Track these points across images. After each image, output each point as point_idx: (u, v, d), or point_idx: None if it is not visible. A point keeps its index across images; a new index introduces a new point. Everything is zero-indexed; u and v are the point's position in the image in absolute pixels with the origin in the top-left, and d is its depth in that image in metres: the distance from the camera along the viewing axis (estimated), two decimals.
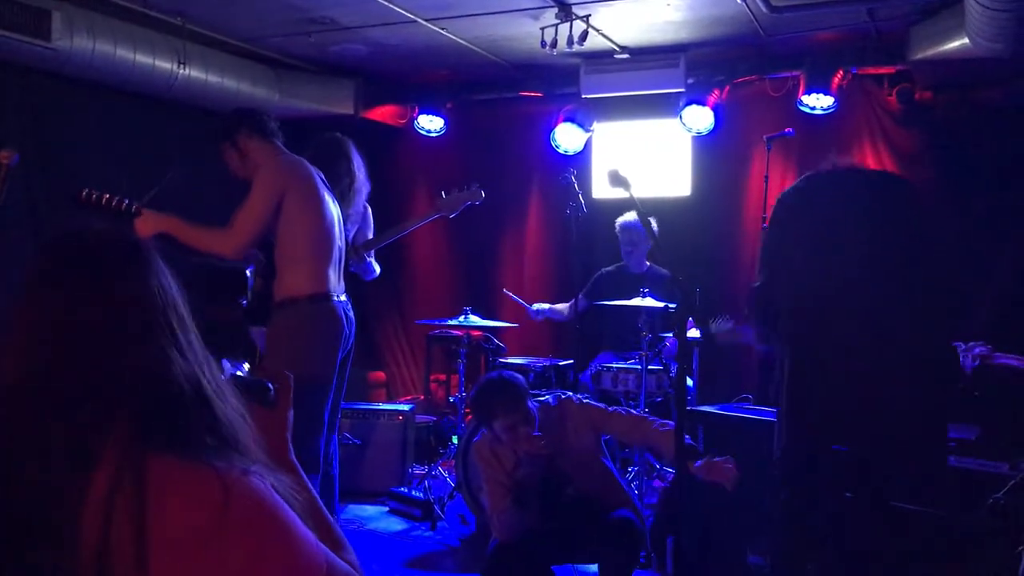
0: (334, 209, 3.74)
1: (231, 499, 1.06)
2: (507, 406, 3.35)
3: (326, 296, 3.59)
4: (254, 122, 3.66)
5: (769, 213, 5.01)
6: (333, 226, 3.69)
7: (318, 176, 3.69)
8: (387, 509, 5.26)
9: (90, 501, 1.02)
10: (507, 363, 5.63)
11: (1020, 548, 2.75)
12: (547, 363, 5.60)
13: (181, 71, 5.50)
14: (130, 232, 1.24)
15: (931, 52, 4.98)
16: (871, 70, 5.79)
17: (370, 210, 4.61)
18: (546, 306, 5.85)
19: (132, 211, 3.56)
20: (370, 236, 4.59)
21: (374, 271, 4.58)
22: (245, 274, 3.90)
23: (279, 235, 3.54)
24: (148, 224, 3.52)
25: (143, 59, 5.30)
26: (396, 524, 5.03)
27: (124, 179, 4.39)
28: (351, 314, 3.73)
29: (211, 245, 3.51)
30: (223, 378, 1.22)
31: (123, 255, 1.18)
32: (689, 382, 5.35)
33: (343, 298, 3.71)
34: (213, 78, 5.77)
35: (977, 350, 4.62)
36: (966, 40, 4.55)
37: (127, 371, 1.10)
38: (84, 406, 1.07)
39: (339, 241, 3.75)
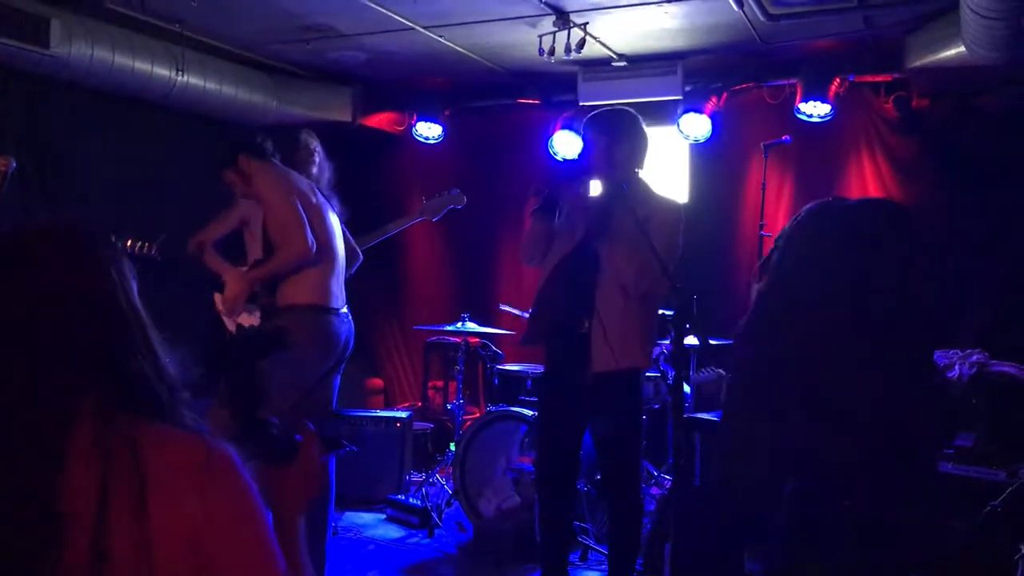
0: (334, 219, 3.76)
1: (212, 450, 1.16)
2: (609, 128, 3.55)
3: (327, 308, 3.61)
4: (252, 146, 3.72)
5: (767, 221, 5.01)
6: (334, 236, 3.71)
7: (316, 188, 3.72)
8: (384, 516, 5.25)
9: (75, 462, 1.09)
10: (505, 370, 5.64)
11: (1017, 556, 2.76)
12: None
13: (179, 78, 5.51)
14: (87, 223, 1.28)
15: (927, 60, 5.00)
16: (868, 78, 5.81)
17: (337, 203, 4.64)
18: None
19: (152, 254, 3.69)
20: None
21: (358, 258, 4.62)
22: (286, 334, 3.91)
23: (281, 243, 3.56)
24: (239, 286, 3.67)
25: (141, 66, 5.31)
26: (393, 531, 5.02)
27: (162, 232, 4.49)
28: (351, 325, 3.76)
29: (292, 258, 3.54)
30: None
31: (82, 245, 1.24)
32: (687, 389, 5.35)
33: (344, 310, 3.73)
34: (211, 85, 5.77)
35: (974, 358, 4.63)
36: (962, 48, 4.57)
37: (95, 351, 1.18)
38: (56, 381, 1.14)
39: (340, 252, 3.76)
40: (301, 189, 3.65)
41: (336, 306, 3.67)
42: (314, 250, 3.54)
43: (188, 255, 4.15)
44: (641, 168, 3.67)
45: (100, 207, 5.49)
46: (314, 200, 3.68)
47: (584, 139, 3.64)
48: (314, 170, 4.33)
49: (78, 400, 1.14)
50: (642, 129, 3.66)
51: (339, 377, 3.85)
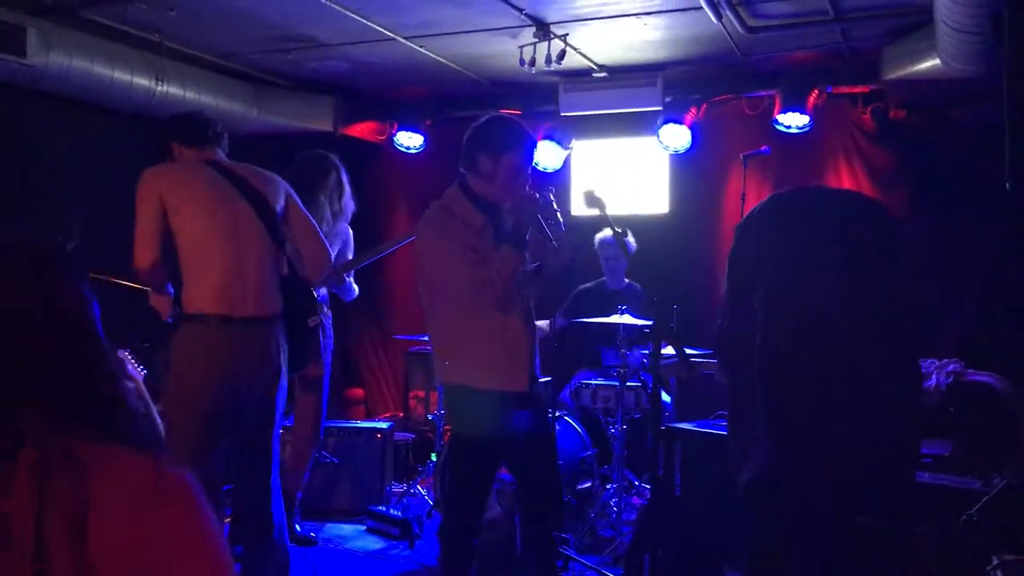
0: (249, 215, 3.45)
1: (162, 474, 1.13)
2: (520, 143, 3.29)
3: (214, 317, 3.29)
4: (183, 134, 3.48)
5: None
6: (230, 236, 3.39)
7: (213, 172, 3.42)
8: (365, 528, 5.23)
9: (17, 485, 1.06)
10: None
11: (990, 567, 2.78)
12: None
13: (159, 87, 5.49)
14: (48, 239, 1.28)
15: (903, 72, 5.06)
16: (845, 89, 5.87)
17: (351, 232, 4.61)
18: None
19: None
20: (349, 255, 4.59)
21: (353, 292, 4.57)
22: (313, 293, 3.74)
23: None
24: (153, 297, 3.40)
25: (121, 76, 5.29)
26: (374, 543, 5.00)
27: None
28: (267, 335, 3.39)
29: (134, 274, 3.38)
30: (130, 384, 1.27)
31: (36, 260, 1.23)
32: (667, 398, 5.37)
33: (239, 317, 3.32)
34: (191, 94, 5.76)
35: (950, 367, 4.67)
36: (937, 61, 4.63)
37: (42, 366, 1.16)
38: (4, 398, 1.13)
39: (234, 250, 3.36)
40: (175, 189, 3.32)
41: (233, 314, 3.27)
42: (146, 267, 3.26)
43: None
44: None
45: (79, 218, 5.45)
46: (187, 197, 3.33)
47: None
48: (345, 203, 4.25)
49: (25, 418, 1.11)
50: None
51: (278, 400, 3.45)
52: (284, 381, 3.47)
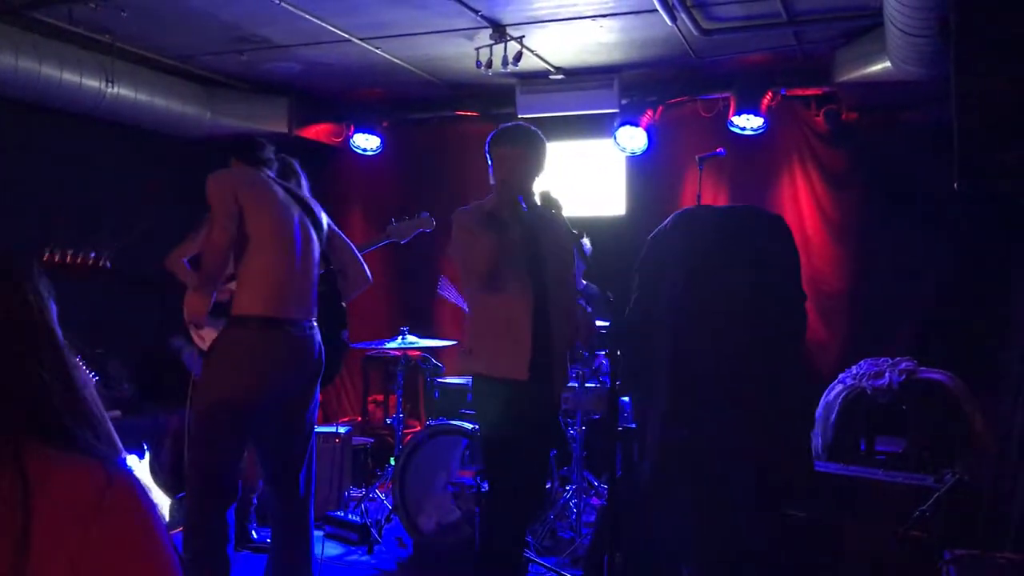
0: (305, 229, 3.61)
1: (111, 483, 1.11)
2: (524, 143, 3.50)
3: (266, 319, 3.39)
4: (243, 150, 3.59)
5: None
6: (288, 239, 3.53)
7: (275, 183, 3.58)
8: (323, 533, 5.17)
9: None
10: (445, 383, 5.61)
11: (941, 562, 2.82)
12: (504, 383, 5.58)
13: (109, 89, 5.40)
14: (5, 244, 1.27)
15: (855, 75, 5.13)
16: (799, 92, 5.94)
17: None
18: None
19: (103, 265, 3.42)
20: None
21: None
22: (344, 307, 3.92)
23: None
24: (191, 298, 3.38)
25: (70, 77, 5.19)
26: (332, 548, 4.95)
27: (102, 223, 4.26)
28: (310, 343, 3.54)
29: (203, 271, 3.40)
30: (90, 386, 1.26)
31: None
32: (625, 399, 5.38)
33: (303, 322, 3.52)
34: (142, 96, 5.67)
35: (903, 365, 4.75)
36: (888, 64, 4.70)
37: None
38: None
39: (296, 256, 3.54)
40: (245, 186, 3.43)
41: (288, 317, 3.42)
42: (227, 241, 3.31)
43: (160, 270, 3.94)
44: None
45: (29, 219, 5.36)
46: (263, 195, 3.46)
47: (509, 154, 3.54)
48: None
49: None
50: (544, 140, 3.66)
51: (313, 407, 3.63)
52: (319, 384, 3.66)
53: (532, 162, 3.56)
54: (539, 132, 3.63)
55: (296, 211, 3.57)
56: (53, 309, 1.24)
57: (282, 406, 3.51)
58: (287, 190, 3.61)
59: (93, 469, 1.12)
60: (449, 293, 5.82)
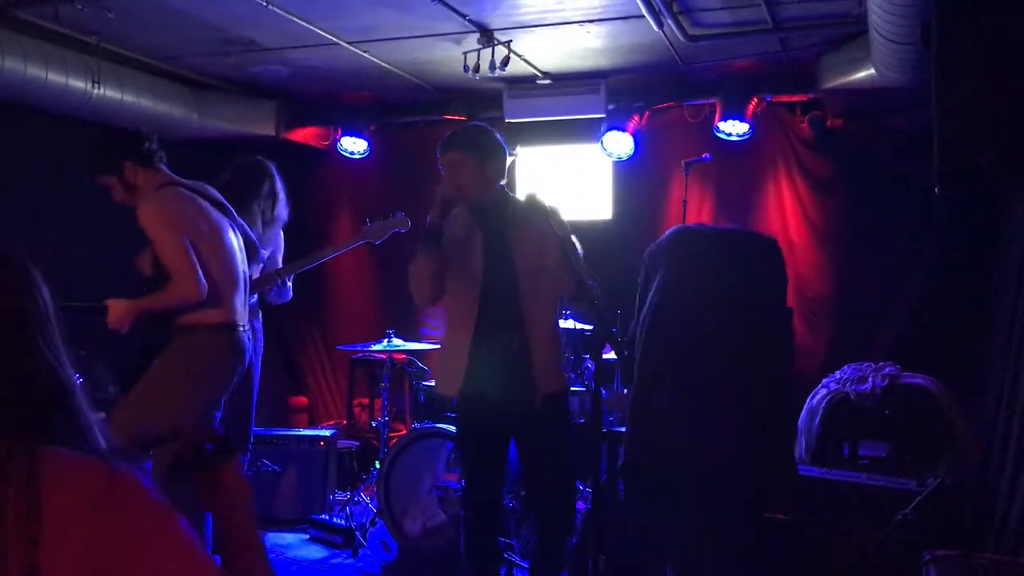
0: (234, 237, 3.67)
1: (116, 478, 1.13)
2: (467, 144, 3.38)
3: (232, 326, 3.58)
4: (138, 153, 3.50)
5: None
6: (235, 253, 3.64)
7: (212, 203, 3.61)
8: (307, 537, 5.17)
9: None
10: (431, 387, 5.60)
11: (923, 562, 2.84)
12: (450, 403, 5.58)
13: (96, 90, 5.38)
14: (6, 246, 1.27)
15: (840, 81, 5.17)
16: (784, 98, 5.97)
17: (282, 235, 4.59)
18: None
19: (101, 307, 3.46)
20: (279, 260, 4.56)
21: (288, 294, 4.54)
22: None
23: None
24: (121, 314, 3.44)
25: (55, 78, 5.16)
26: (317, 552, 4.94)
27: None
28: (251, 342, 3.77)
29: (178, 300, 3.42)
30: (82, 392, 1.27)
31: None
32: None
33: (245, 326, 3.69)
34: (129, 97, 5.65)
35: (886, 370, 4.78)
36: (872, 70, 4.73)
37: (5, 377, 1.16)
38: None
39: (243, 267, 3.70)
40: (190, 218, 3.47)
41: (241, 322, 3.63)
42: (204, 295, 3.40)
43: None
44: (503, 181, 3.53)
45: (15, 221, 5.34)
46: (206, 227, 3.51)
47: (449, 160, 3.43)
48: (279, 211, 4.29)
49: None
50: (501, 140, 3.51)
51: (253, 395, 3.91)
52: None
53: (468, 167, 3.38)
54: (485, 132, 3.49)
55: (232, 232, 3.68)
56: (52, 313, 1.26)
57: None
58: (217, 203, 3.66)
59: (97, 466, 1.14)
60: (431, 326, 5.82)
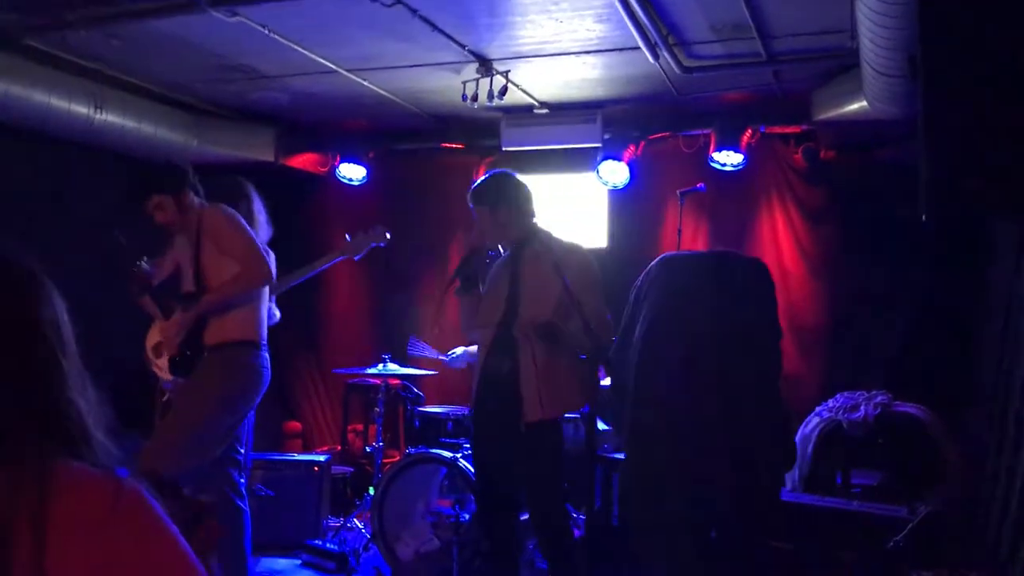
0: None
1: (121, 492, 1.14)
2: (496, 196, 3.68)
3: (261, 345, 3.71)
4: (192, 182, 3.82)
5: None
6: None
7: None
8: (300, 562, 5.15)
9: None
10: (425, 412, 5.61)
11: None
12: (466, 412, 5.57)
13: (98, 115, 5.44)
14: (26, 257, 1.29)
15: (833, 113, 5.24)
16: (778, 129, 6.04)
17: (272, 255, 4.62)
18: (460, 350, 5.68)
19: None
20: None
21: (275, 316, 4.54)
22: None
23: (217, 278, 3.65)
24: (178, 321, 3.70)
25: (58, 102, 5.22)
26: None
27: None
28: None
29: (254, 281, 3.65)
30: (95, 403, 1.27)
31: (17, 280, 1.24)
32: (603, 427, 5.39)
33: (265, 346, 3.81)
34: (130, 123, 5.70)
35: (878, 399, 4.81)
36: (864, 103, 4.80)
37: (17, 390, 1.16)
38: None
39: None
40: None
41: (265, 341, 3.75)
42: (274, 277, 3.70)
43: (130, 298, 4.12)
44: (534, 217, 3.81)
45: (12, 243, 5.35)
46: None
47: (474, 211, 3.81)
48: (258, 232, 4.36)
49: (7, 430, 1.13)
50: (516, 184, 3.79)
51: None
52: None
53: (483, 217, 3.75)
54: (493, 181, 3.81)
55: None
56: (67, 327, 1.26)
57: None
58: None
59: (102, 479, 1.15)
60: (418, 350, 5.83)
